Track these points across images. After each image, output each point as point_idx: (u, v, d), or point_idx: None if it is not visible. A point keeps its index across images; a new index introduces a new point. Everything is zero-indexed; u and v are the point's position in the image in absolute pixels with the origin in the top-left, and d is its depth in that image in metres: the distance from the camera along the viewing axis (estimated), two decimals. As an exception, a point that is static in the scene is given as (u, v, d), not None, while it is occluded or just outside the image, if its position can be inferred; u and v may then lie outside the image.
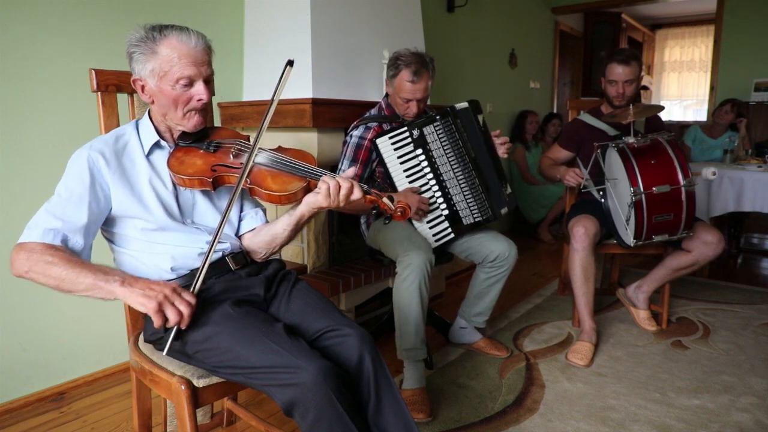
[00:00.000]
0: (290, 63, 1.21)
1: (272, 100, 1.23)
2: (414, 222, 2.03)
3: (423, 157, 2.01)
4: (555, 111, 5.71)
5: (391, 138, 2.00)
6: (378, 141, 1.99)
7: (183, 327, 1.10)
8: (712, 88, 5.16)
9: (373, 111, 2.19)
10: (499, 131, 2.15)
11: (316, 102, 2.16)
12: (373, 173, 2.13)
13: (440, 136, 2.02)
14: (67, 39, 1.96)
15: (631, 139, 2.16)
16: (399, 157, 2.01)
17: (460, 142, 2.04)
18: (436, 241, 2.05)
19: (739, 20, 4.98)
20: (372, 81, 2.59)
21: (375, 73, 2.60)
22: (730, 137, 3.84)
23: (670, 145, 2.16)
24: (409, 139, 2.01)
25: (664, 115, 2.64)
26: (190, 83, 1.22)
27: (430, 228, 2.05)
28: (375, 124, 2.08)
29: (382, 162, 2.01)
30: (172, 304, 1.07)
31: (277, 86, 1.21)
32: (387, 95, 2.18)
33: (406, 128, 2.01)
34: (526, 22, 5.05)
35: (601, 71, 2.51)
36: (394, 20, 2.72)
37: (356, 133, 2.08)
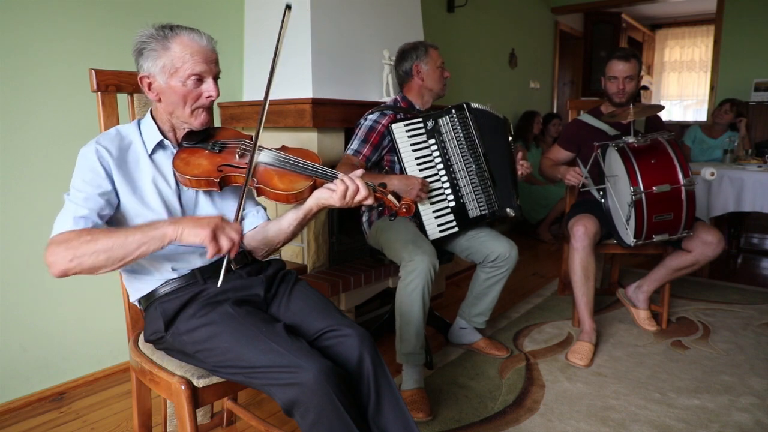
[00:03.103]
0: (288, 7, 1.18)
1: (276, 48, 1.20)
2: (420, 208, 2.02)
3: (435, 147, 2.05)
4: (555, 111, 5.71)
5: (406, 125, 2.03)
6: (393, 126, 2.02)
7: (233, 256, 1.11)
8: (712, 88, 5.16)
9: (389, 103, 2.23)
10: (521, 154, 2.21)
11: (316, 102, 2.16)
12: (381, 160, 2.14)
13: (454, 127, 2.06)
14: (67, 39, 1.95)
15: (631, 139, 2.16)
16: (412, 145, 2.03)
17: (474, 136, 2.07)
18: (441, 232, 2.05)
19: (739, 20, 4.98)
20: (372, 81, 2.59)
21: (375, 73, 2.60)
22: (730, 137, 3.84)
23: (670, 145, 2.16)
24: (423, 129, 2.05)
25: (664, 115, 2.64)
26: (201, 80, 1.24)
27: (436, 218, 2.05)
28: (391, 112, 2.11)
29: (394, 149, 2.03)
30: (224, 231, 1.08)
31: (280, 32, 1.19)
32: (401, 90, 2.25)
33: (421, 118, 2.06)
34: (526, 22, 5.05)
35: (601, 71, 2.52)
36: (394, 20, 2.72)
37: (372, 116, 2.10)
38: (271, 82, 1.21)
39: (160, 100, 1.26)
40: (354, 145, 2.07)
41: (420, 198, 1.95)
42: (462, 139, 2.07)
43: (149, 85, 1.25)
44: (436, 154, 2.05)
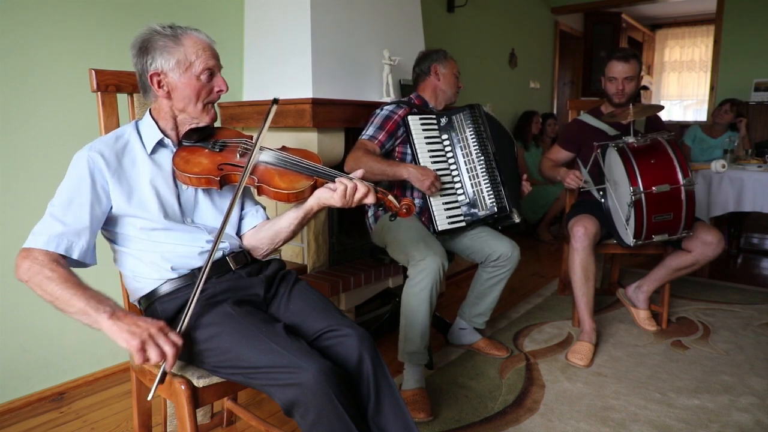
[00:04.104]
0: (275, 101, 1.24)
1: (258, 136, 1.24)
2: (431, 200, 2.04)
3: (448, 142, 2.11)
4: (555, 111, 5.71)
5: (421, 119, 2.10)
6: (410, 118, 2.07)
7: (168, 369, 1.08)
8: (712, 88, 5.16)
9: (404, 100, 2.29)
10: (526, 175, 2.25)
11: (316, 102, 2.16)
12: (393, 150, 2.17)
13: (466, 125, 2.10)
14: (67, 40, 1.95)
15: (630, 139, 2.16)
16: (426, 138, 2.09)
17: (484, 135, 2.10)
18: (450, 224, 2.07)
19: (739, 20, 4.98)
20: (372, 81, 2.59)
21: (375, 73, 2.60)
22: (730, 137, 3.83)
23: (670, 145, 2.16)
24: (437, 126, 2.11)
25: (664, 115, 2.64)
26: (212, 75, 1.26)
27: (445, 210, 2.07)
28: (406, 106, 2.16)
29: (407, 140, 2.08)
30: (156, 343, 1.04)
31: (264, 124, 1.24)
32: (416, 90, 2.32)
33: (435, 115, 2.13)
34: (526, 22, 5.05)
35: (601, 71, 2.52)
36: (394, 20, 2.72)
37: (388, 107, 2.15)
38: (251, 159, 1.24)
39: (169, 98, 1.26)
40: (369, 131, 2.10)
41: (431, 191, 1.98)
42: (474, 136, 2.10)
43: (159, 83, 1.24)
44: (449, 149, 2.10)
